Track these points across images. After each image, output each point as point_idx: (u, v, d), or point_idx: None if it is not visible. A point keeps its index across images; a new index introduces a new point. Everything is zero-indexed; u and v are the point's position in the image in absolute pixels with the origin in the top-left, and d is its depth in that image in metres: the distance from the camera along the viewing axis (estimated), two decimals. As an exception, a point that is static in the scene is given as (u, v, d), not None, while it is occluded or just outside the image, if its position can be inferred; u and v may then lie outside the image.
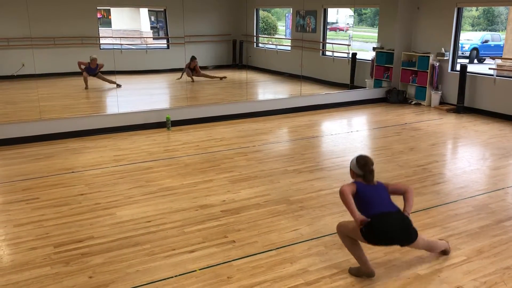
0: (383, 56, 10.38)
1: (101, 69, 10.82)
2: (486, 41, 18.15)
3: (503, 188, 5.19)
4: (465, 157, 6.50)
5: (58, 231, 4.11)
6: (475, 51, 17.82)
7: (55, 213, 4.48)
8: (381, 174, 5.60)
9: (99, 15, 13.06)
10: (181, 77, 11.66)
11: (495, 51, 16.41)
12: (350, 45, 11.76)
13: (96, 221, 4.32)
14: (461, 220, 4.35)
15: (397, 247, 3.82)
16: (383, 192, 3.42)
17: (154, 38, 15.30)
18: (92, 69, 10.81)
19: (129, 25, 15.06)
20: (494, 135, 7.45)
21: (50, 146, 6.76)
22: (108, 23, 13.89)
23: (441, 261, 3.62)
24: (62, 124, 7.29)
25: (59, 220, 4.33)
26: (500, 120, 8.44)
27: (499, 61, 10.04)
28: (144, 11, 15.02)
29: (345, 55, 11.44)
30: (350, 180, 3.49)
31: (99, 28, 12.81)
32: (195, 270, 3.48)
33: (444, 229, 4.16)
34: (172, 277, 3.40)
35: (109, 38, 13.16)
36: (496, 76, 8.71)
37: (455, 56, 9.47)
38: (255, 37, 14.52)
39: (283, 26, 16.10)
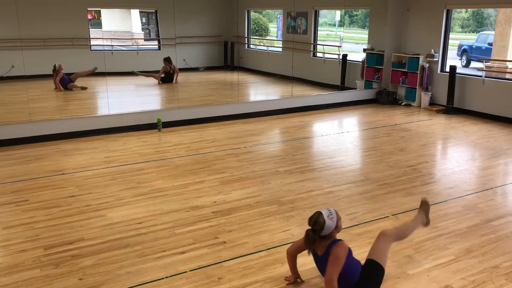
0: (374, 57, 10.45)
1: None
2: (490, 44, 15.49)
3: (491, 188, 5.25)
4: (454, 157, 6.57)
5: (48, 233, 4.10)
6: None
7: (45, 215, 4.46)
8: (371, 174, 5.64)
9: (89, 16, 13.00)
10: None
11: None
12: (341, 46, 11.81)
13: (87, 222, 4.30)
14: (450, 220, 4.40)
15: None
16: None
17: (145, 39, 15.26)
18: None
19: (120, 26, 15.02)
20: (483, 136, 7.53)
21: (40, 148, 6.72)
22: (98, 24, 13.84)
23: (430, 260, 3.66)
24: (52, 125, 7.25)
25: (49, 222, 4.31)
26: (489, 121, 8.53)
27: (487, 63, 10.15)
28: (135, 12, 14.98)
29: (336, 56, 11.49)
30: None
31: (90, 29, 12.75)
32: (186, 271, 3.48)
33: (433, 228, 4.20)
34: (163, 278, 3.40)
35: (100, 40, 13.10)
36: (485, 77, 8.80)
37: (444, 57, 9.56)
38: (246, 39, 14.53)
39: (275, 28, 16.13)
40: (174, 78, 11.86)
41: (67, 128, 7.28)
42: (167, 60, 11.75)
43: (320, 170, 5.84)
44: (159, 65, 11.92)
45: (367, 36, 11.13)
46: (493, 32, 14.00)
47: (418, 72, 9.61)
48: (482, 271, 3.52)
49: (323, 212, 3.05)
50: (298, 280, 3.33)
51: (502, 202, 4.88)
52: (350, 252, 3.06)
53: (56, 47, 11.67)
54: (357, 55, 11.67)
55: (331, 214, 3.01)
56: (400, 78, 10.03)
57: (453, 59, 11.07)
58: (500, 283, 3.36)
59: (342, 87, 11.01)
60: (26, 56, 9.39)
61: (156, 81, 11.93)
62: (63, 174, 5.64)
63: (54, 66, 10.72)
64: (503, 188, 5.32)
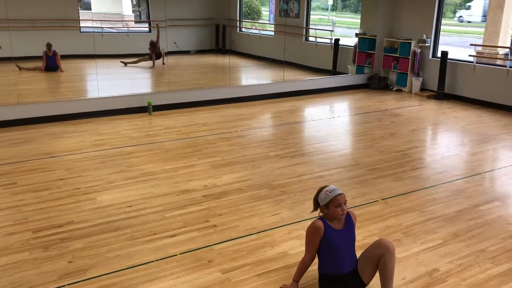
0: (365, 42, 10.42)
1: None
2: None
3: (480, 173, 5.30)
4: (444, 142, 6.61)
5: (37, 216, 4.07)
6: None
7: (34, 198, 4.43)
8: (362, 159, 5.67)
9: (79, -3, 12.79)
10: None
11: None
12: (333, 31, 11.76)
13: (76, 206, 4.28)
14: (439, 205, 4.44)
15: (376, 230, 3.90)
16: None
17: (135, 22, 15.07)
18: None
19: (110, 8, 14.79)
20: (472, 121, 7.57)
21: (29, 131, 6.65)
22: (88, 6, 13.62)
23: (419, 244, 3.69)
24: (41, 108, 7.17)
25: (38, 205, 4.28)
26: (479, 107, 8.57)
27: (479, 48, 10.16)
28: (125, -6, 14.76)
29: (328, 41, 11.44)
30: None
31: (79, 10, 12.55)
32: (176, 255, 3.49)
33: (422, 213, 4.24)
34: (153, 261, 3.40)
35: (90, 21, 12.91)
36: (476, 63, 8.82)
37: (436, 43, 9.55)
38: (238, 22, 14.41)
39: (267, 11, 16.00)
40: (163, 59, 11.76)
41: (56, 110, 7.20)
42: (152, 45, 11.69)
43: (311, 154, 5.85)
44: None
45: (359, 20, 11.07)
46: None
47: (409, 57, 9.60)
48: (469, 254, 3.56)
49: (329, 186, 2.96)
50: None
51: (490, 187, 4.93)
52: (326, 235, 2.88)
53: (45, 29, 11.49)
54: (349, 40, 11.62)
55: (329, 193, 2.91)
56: (392, 63, 10.03)
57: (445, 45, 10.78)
58: (486, 266, 3.41)
59: (334, 71, 10.98)
60: (14, 37, 9.23)
61: (146, 63, 11.80)
62: (52, 157, 5.59)
63: (49, 44, 10.52)
64: (491, 173, 5.37)
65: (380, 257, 2.88)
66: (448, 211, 4.29)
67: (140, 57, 11.88)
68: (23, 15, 11.11)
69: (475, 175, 5.25)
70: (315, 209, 3.02)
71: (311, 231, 2.94)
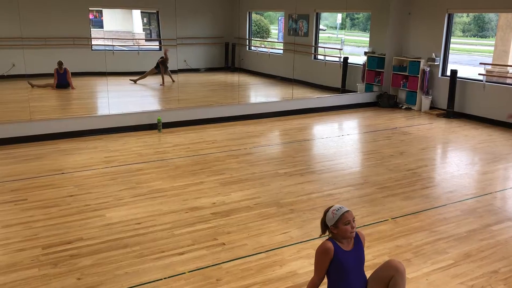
0: (375, 60, 10.45)
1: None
2: None
3: (491, 193, 5.24)
4: (454, 161, 6.56)
5: (47, 232, 4.09)
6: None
7: (44, 214, 4.45)
8: (371, 177, 5.64)
9: (91, 16, 13.02)
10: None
11: None
12: (342, 49, 11.82)
13: (86, 222, 4.30)
14: (450, 224, 4.39)
15: (386, 250, 3.86)
16: None
17: (146, 40, 15.27)
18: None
19: (122, 27, 15.03)
20: (483, 140, 7.52)
21: (40, 147, 6.72)
22: (100, 24, 13.85)
23: (429, 264, 3.65)
24: (52, 125, 7.25)
25: (48, 222, 4.30)
26: (489, 126, 8.52)
27: (488, 67, 10.15)
28: (136, 13, 15.00)
29: (337, 59, 11.50)
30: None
31: (91, 29, 12.76)
32: (185, 273, 3.48)
33: (432, 233, 4.20)
34: (161, 279, 3.39)
35: (101, 39, 13.11)
36: (486, 82, 8.80)
37: (445, 61, 9.56)
38: (247, 40, 14.55)
39: (276, 30, 16.15)
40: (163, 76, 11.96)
41: (67, 127, 7.27)
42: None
43: (320, 172, 5.83)
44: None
45: (368, 39, 11.13)
46: None
47: (419, 75, 9.61)
48: (481, 275, 3.51)
49: (335, 206, 2.95)
50: None
51: (501, 207, 4.87)
52: (336, 257, 2.84)
53: (57, 47, 11.68)
54: (358, 58, 11.67)
55: (336, 211, 2.88)
56: (401, 82, 10.03)
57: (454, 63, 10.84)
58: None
59: (343, 90, 11.01)
60: (27, 55, 9.40)
61: (151, 80, 11.92)
62: (62, 173, 5.63)
63: (60, 63, 10.67)
64: (502, 193, 5.31)
65: (390, 279, 2.84)
66: (459, 231, 4.25)
67: (147, 72, 12.02)
68: (36, 33, 11.31)
69: (486, 194, 5.20)
70: (323, 232, 2.98)
71: (320, 252, 2.91)
